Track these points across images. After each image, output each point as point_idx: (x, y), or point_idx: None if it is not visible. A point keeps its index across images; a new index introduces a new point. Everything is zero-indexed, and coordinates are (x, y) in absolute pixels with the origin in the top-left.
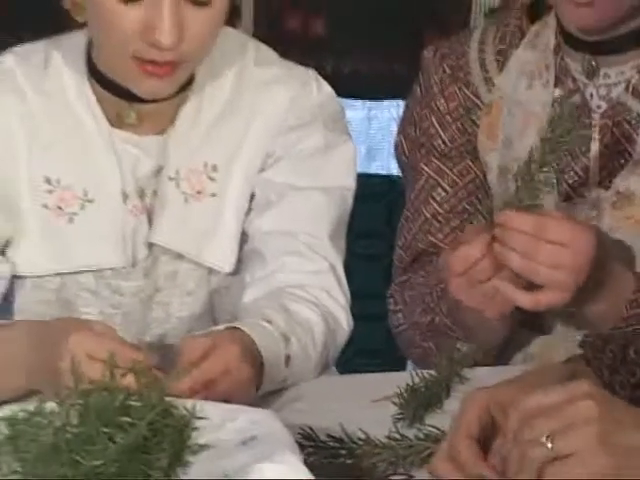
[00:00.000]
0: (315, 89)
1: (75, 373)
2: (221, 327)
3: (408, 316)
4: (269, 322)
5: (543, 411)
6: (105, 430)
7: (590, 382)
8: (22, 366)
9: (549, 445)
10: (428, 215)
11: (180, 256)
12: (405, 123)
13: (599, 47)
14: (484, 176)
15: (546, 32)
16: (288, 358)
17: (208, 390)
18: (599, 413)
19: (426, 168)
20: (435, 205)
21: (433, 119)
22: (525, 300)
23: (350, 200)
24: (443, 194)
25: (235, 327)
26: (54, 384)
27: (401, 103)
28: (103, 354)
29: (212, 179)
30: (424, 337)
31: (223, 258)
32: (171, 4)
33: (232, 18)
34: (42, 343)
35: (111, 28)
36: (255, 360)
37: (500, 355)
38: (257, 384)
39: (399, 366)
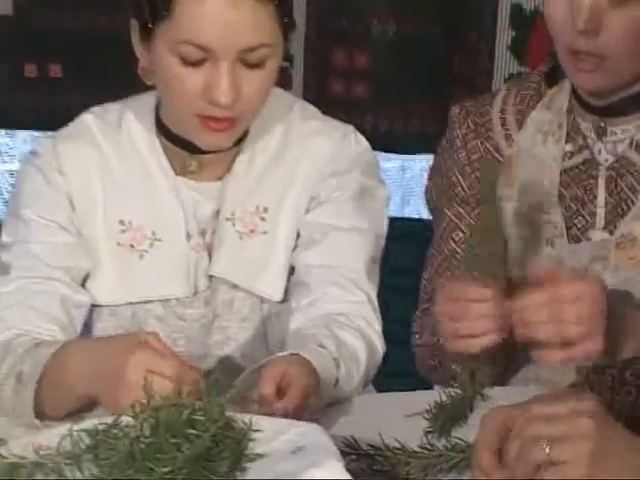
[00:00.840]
0: (353, 141)
1: (147, 390)
2: (286, 353)
3: (422, 337)
4: (323, 348)
5: (547, 418)
6: (174, 441)
7: (596, 403)
8: (86, 376)
9: (547, 450)
10: (448, 253)
11: (236, 286)
12: (433, 172)
13: (607, 110)
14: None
15: (561, 95)
16: (337, 381)
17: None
18: (596, 431)
19: (448, 212)
20: (454, 245)
21: (455, 169)
22: (564, 357)
23: (383, 239)
24: (461, 235)
25: (297, 353)
26: (114, 395)
27: (430, 157)
28: (166, 370)
29: (263, 219)
30: (431, 356)
31: (273, 288)
32: (228, 67)
33: (282, 80)
34: (106, 356)
35: (176, 89)
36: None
37: (505, 374)
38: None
39: (428, 386)
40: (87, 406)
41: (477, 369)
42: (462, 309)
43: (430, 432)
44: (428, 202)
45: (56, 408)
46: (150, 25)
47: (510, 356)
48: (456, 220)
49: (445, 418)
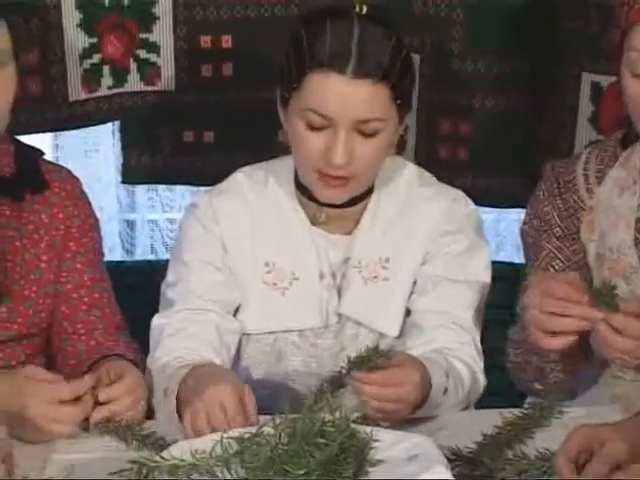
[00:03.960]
0: (463, 204)
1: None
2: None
3: (512, 336)
4: (436, 360)
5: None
6: (307, 448)
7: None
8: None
9: None
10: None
11: (360, 323)
12: (530, 216)
13: None
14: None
15: (634, 156)
16: (446, 390)
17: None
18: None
19: (548, 245)
20: (553, 271)
21: (554, 213)
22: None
23: (486, 290)
24: (560, 264)
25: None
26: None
27: (520, 210)
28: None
29: (385, 268)
30: (516, 353)
31: (392, 326)
32: (345, 134)
33: (400, 148)
34: (196, 383)
35: (302, 148)
36: (425, 385)
37: (572, 390)
38: (423, 398)
39: (519, 404)
40: None
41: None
42: (555, 305)
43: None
44: (525, 239)
45: None
46: (286, 94)
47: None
48: (555, 251)
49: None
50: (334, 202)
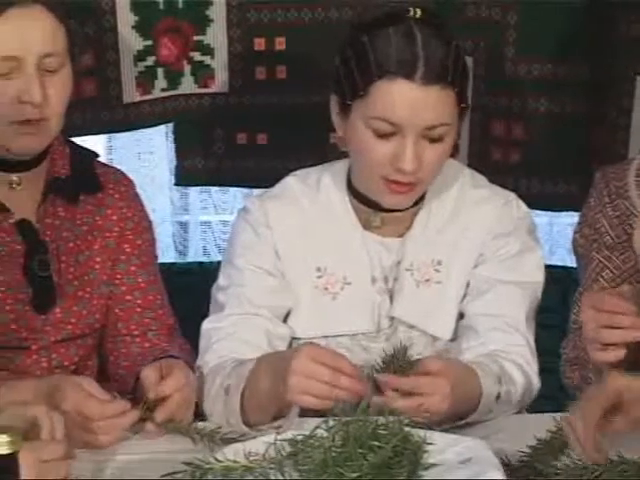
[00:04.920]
0: (515, 207)
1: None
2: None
3: (567, 354)
4: (488, 367)
5: None
6: (361, 451)
7: None
8: (265, 388)
9: None
10: (597, 289)
11: (413, 326)
12: (582, 225)
13: None
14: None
15: None
16: (499, 395)
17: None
18: None
19: (597, 255)
20: (603, 282)
21: (604, 221)
22: None
23: (540, 291)
24: (610, 274)
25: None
26: (283, 399)
27: (573, 214)
28: (324, 369)
29: (437, 271)
30: (572, 369)
31: (445, 329)
32: (413, 140)
33: (453, 151)
34: (279, 367)
35: (368, 156)
36: (470, 392)
37: None
38: (471, 407)
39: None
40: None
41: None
42: (604, 317)
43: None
44: (576, 250)
45: (258, 415)
46: (349, 102)
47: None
48: (605, 262)
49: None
50: (399, 208)
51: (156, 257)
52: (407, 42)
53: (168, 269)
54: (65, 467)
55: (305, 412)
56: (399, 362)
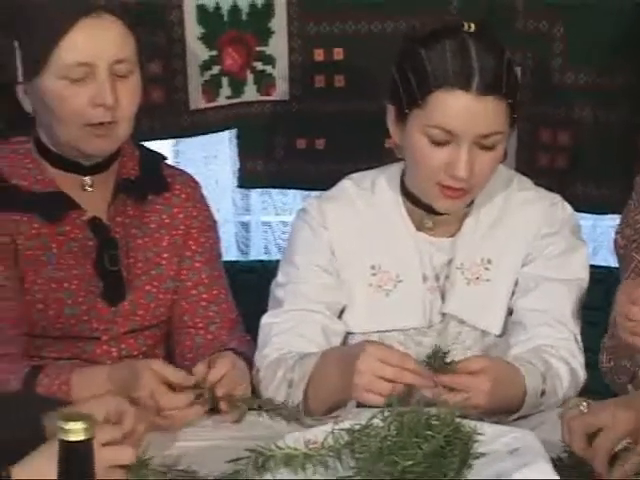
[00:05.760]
0: (560, 208)
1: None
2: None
3: (604, 343)
4: (533, 365)
5: None
6: (415, 440)
7: None
8: (331, 383)
9: None
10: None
11: (463, 322)
12: (623, 225)
13: None
14: None
15: None
16: (543, 392)
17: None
18: None
19: (637, 256)
20: None
21: None
22: None
23: (584, 288)
24: None
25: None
26: (347, 395)
27: (615, 216)
28: (389, 369)
29: (487, 269)
30: (608, 359)
31: (494, 324)
32: (467, 148)
33: (502, 157)
34: (345, 364)
35: (424, 163)
36: (513, 389)
37: None
38: (515, 404)
39: None
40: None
41: None
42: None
43: None
44: (617, 250)
45: (319, 406)
46: (406, 111)
47: None
48: None
49: None
50: (451, 212)
51: (220, 254)
52: (462, 55)
53: (231, 267)
54: (127, 451)
55: (361, 403)
56: (439, 363)
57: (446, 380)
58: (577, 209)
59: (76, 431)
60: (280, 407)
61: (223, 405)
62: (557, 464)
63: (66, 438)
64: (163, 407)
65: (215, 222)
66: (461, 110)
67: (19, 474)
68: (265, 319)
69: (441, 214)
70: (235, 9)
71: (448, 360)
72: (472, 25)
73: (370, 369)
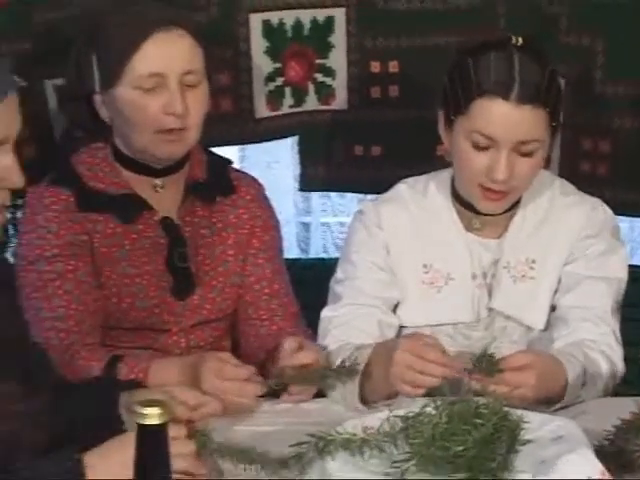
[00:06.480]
0: (601, 211)
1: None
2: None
3: None
4: (574, 358)
5: None
6: (464, 427)
7: None
8: (374, 376)
9: None
10: None
11: (509, 317)
12: None
13: None
14: None
15: None
16: (584, 383)
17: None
18: None
19: None
20: None
21: None
22: None
23: (623, 287)
24: None
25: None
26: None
27: None
28: (419, 361)
29: (532, 268)
30: None
31: (538, 320)
32: (506, 154)
33: (546, 163)
34: (388, 357)
35: (467, 166)
36: (547, 383)
37: None
38: (558, 394)
39: None
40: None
41: None
42: None
43: None
44: None
45: (372, 395)
46: (452, 117)
47: None
48: None
49: None
50: (492, 212)
51: (282, 252)
52: (506, 66)
53: (292, 264)
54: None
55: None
56: (486, 364)
57: (495, 381)
58: (615, 212)
59: (152, 415)
60: (340, 368)
61: (293, 388)
62: (598, 451)
63: (143, 422)
64: (226, 375)
65: (278, 222)
66: (501, 117)
67: (91, 460)
68: (324, 313)
69: (488, 215)
70: (298, 25)
71: (494, 360)
72: (520, 39)
73: (402, 360)
